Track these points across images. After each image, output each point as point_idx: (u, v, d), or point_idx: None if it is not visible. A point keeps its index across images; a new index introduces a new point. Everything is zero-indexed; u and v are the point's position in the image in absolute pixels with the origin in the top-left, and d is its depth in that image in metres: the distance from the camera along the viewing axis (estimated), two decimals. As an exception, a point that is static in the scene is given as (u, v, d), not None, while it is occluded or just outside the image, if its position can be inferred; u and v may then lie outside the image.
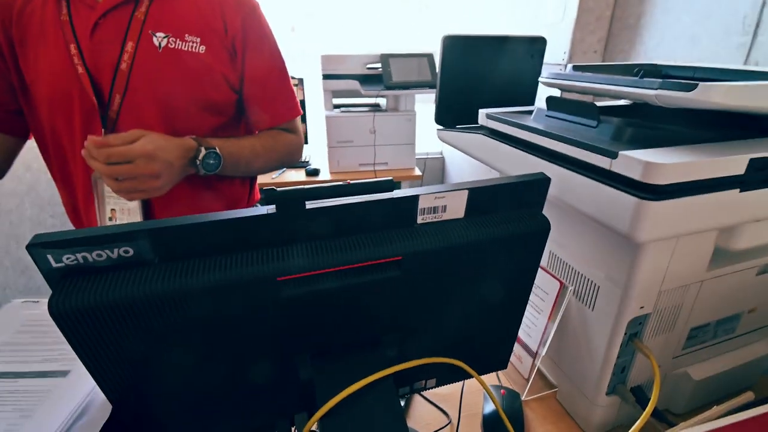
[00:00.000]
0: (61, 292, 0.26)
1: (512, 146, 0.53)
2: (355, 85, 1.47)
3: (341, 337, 0.40)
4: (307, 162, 1.66)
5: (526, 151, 0.50)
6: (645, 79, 0.38)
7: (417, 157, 1.62)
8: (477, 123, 0.64)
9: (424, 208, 0.37)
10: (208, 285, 0.30)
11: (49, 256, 0.26)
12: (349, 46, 1.91)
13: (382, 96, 1.48)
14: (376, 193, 0.35)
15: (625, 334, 0.47)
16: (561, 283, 0.54)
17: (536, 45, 0.72)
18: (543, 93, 0.72)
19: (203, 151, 0.63)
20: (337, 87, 1.50)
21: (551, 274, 0.55)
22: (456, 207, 0.38)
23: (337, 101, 1.57)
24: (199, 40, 0.66)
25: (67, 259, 0.26)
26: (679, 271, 0.44)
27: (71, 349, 0.29)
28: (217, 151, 0.65)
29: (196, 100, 0.68)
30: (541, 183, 0.40)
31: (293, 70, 1.64)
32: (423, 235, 0.36)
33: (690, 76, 0.52)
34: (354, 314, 0.39)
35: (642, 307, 0.45)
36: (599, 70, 0.57)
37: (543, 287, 0.57)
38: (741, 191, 0.37)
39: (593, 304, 0.49)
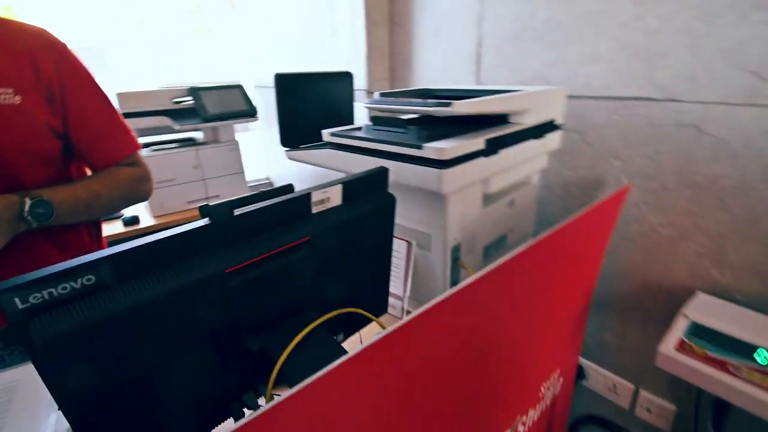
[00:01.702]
0: (38, 327, 0.29)
1: (356, 153, 0.73)
2: (164, 121, 1.43)
3: (276, 311, 0.51)
4: (121, 213, 1.50)
5: (366, 155, 0.71)
6: (428, 100, 0.64)
7: (249, 185, 1.69)
8: (320, 141, 0.83)
9: (316, 201, 0.53)
10: (167, 292, 0.37)
11: (16, 299, 0.29)
12: (128, 83, 1.79)
13: (199, 129, 1.49)
14: (281, 195, 0.50)
15: (452, 259, 0.73)
16: (408, 241, 0.78)
17: (346, 78, 0.96)
18: (358, 113, 0.96)
19: (28, 203, 0.61)
20: (143, 125, 1.42)
21: (400, 238, 0.78)
22: (336, 197, 0.55)
23: (143, 140, 1.48)
24: (12, 91, 0.62)
25: (34, 298, 0.29)
26: (468, 211, 0.73)
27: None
28: (45, 199, 0.63)
29: (24, 152, 0.64)
30: (384, 173, 0.61)
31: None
32: (319, 219, 0.52)
33: (447, 96, 0.84)
34: (283, 290, 0.51)
35: (455, 239, 0.73)
36: (398, 95, 0.84)
37: (397, 249, 0.79)
38: (485, 157, 0.67)
39: (430, 247, 0.75)
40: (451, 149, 0.60)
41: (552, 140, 0.82)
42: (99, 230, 0.86)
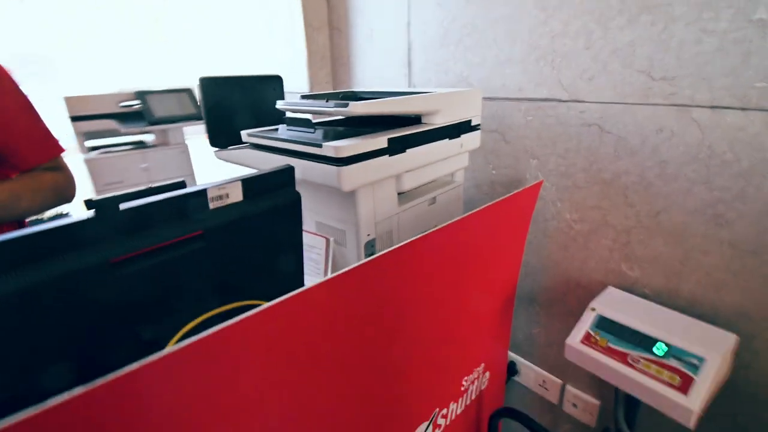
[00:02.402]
0: None
1: (269, 152, 0.74)
2: (111, 124, 1.42)
3: (173, 302, 0.52)
4: (67, 213, 1.48)
5: (278, 154, 0.72)
6: (329, 101, 0.66)
7: (201, 186, 1.68)
8: (243, 142, 0.84)
9: (213, 197, 0.53)
10: (46, 281, 0.38)
11: None
12: (80, 86, 1.78)
13: (147, 132, 1.48)
14: (173, 191, 0.50)
15: (366, 254, 0.75)
16: (325, 238, 0.79)
17: (276, 81, 0.97)
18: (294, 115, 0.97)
19: None
20: (90, 128, 1.41)
21: (318, 235, 0.80)
22: (235, 193, 0.56)
23: (91, 143, 1.47)
24: None
25: None
26: (382, 208, 0.75)
27: None
28: None
29: None
30: (289, 170, 0.62)
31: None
32: (215, 214, 0.53)
33: (365, 97, 0.85)
34: (178, 282, 0.52)
35: (369, 235, 0.74)
36: (316, 98, 0.86)
37: (316, 246, 0.80)
38: (389, 156, 0.68)
39: (345, 243, 0.76)
40: (348, 147, 0.61)
41: (470, 140, 0.85)
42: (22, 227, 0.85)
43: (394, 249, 0.52)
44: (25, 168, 0.75)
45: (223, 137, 0.89)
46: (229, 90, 0.90)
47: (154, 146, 1.52)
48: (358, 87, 1.24)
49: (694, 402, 0.62)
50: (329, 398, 0.54)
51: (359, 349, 0.56)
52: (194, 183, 1.60)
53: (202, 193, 0.53)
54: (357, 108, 0.62)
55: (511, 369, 1.08)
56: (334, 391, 0.55)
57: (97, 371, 0.47)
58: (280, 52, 1.33)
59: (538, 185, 0.80)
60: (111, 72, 1.84)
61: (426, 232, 0.56)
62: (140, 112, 1.40)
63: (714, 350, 0.65)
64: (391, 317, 0.59)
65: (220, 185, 0.54)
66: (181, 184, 0.53)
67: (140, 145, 1.54)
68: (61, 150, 0.80)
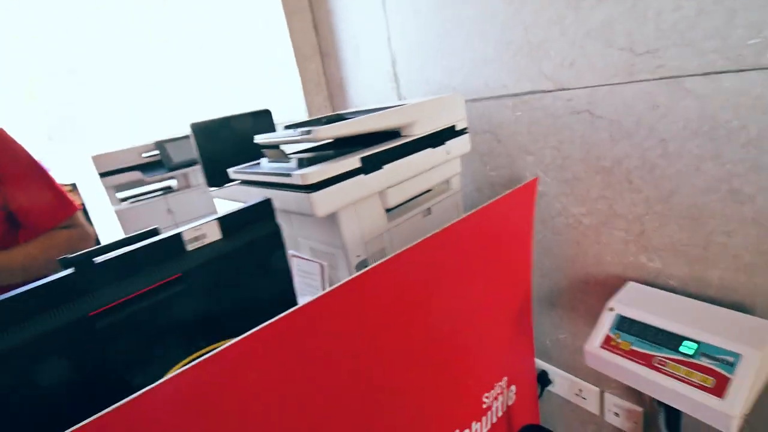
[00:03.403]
0: None
1: (254, 186, 0.76)
2: (137, 175, 1.53)
3: (160, 345, 0.54)
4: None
5: (261, 187, 0.74)
6: (296, 129, 0.66)
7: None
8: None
9: (189, 239, 0.55)
10: (28, 341, 0.41)
11: None
12: (104, 143, 1.94)
13: (169, 178, 1.58)
14: (144, 239, 0.53)
15: (358, 276, 0.74)
16: (320, 264, 0.79)
17: (265, 115, 1.00)
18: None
19: None
20: (119, 181, 1.53)
21: (313, 260, 0.80)
22: (213, 233, 0.58)
23: (121, 194, 1.59)
24: None
25: None
26: (369, 227, 0.74)
27: None
28: None
29: None
30: (266, 203, 0.63)
31: (63, 177, 1.58)
32: (193, 256, 0.54)
33: (346, 118, 0.86)
34: (162, 326, 0.53)
35: (358, 256, 0.73)
36: (300, 126, 0.87)
37: (312, 271, 0.80)
38: (365, 174, 0.68)
39: (337, 266, 0.75)
40: (316, 173, 0.61)
41: (458, 145, 0.82)
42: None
43: (381, 262, 0.51)
44: (42, 230, 0.82)
45: (218, 177, 0.92)
46: (220, 130, 0.94)
47: (178, 190, 1.62)
48: (353, 107, 1.25)
49: (732, 405, 0.54)
50: (333, 424, 0.53)
51: (361, 371, 0.54)
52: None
53: (177, 237, 0.54)
54: (320, 133, 0.62)
55: (543, 379, 1.01)
56: (337, 416, 0.53)
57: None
58: (278, 84, 1.38)
59: (533, 182, 0.75)
60: (128, 126, 1.99)
61: (414, 243, 0.54)
62: (160, 161, 1.51)
63: (751, 344, 0.57)
64: (392, 334, 0.57)
65: (196, 227, 0.56)
66: (154, 231, 0.56)
67: (168, 190, 1.65)
68: (74, 209, 0.87)
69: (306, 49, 1.26)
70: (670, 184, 0.67)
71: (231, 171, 0.83)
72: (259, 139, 0.77)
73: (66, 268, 0.47)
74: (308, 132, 0.62)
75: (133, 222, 1.49)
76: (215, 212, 1.68)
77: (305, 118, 1.32)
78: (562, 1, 0.69)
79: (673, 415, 0.71)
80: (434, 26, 0.91)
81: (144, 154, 1.53)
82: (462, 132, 0.82)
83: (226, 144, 0.94)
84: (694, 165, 0.63)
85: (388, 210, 0.77)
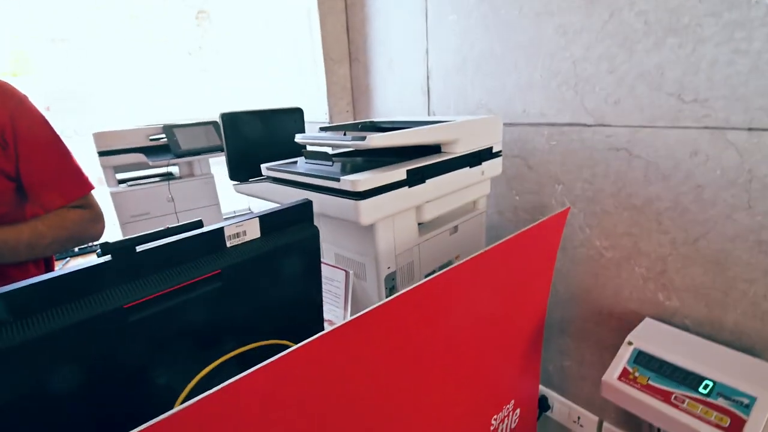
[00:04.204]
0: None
1: (287, 186, 0.74)
2: (140, 158, 1.48)
3: (190, 344, 0.51)
4: (95, 246, 1.52)
5: (296, 187, 0.72)
6: (346, 134, 0.66)
7: (225, 216, 1.71)
8: (262, 175, 0.85)
9: (230, 235, 0.53)
10: (63, 328, 0.39)
11: None
12: (110, 120, 1.87)
13: (173, 164, 1.53)
14: (190, 230, 0.50)
15: (386, 288, 0.73)
16: (345, 271, 0.77)
17: (296, 114, 0.99)
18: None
19: None
20: (119, 162, 1.47)
21: (337, 267, 0.78)
22: (253, 230, 0.56)
23: (121, 176, 1.53)
24: None
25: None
26: (402, 239, 0.73)
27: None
28: None
29: None
30: (307, 205, 0.62)
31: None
32: (232, 253, 0.52)
33: (388, 128, 0.86)
34: (195, 323, 0.51)
35: (389, 268, 0.72)
36: (335, 130, 0.86)
37: (335, 278, 0.79)
38: (408, 187, 0.67)
39: (365, 276, 0.74)
40: (366, 181, 0.60)
41: (492, 167, 0.83)
42: (50, 265, 0.87)
43: (416, 287, 0.50)
44: (53, 207, 0.77)
45: (243, 171, 0.90)
46: (249, 124, 0.92)
47: (180, 178, 1.57)
48: (378, 116, 1.25)
49: (751, 448, 0.56)
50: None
51: (381, 392, 0.53)
52: (219, 212, 1.61)
53: (219, 231, 0.52)
54: (374, 141, 0.62)
55: (543, 404, 1.02)
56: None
57: (114, 418, 0.46)
58: (302, 83, 1.37)
59: (566, 212, 0.77)
60: (142, 106, 1.93)
61: (449, 268, 0.54)
62: (167, 145, 1.46)
63: (766, 388, 0.59)
64: (414, 356, 0.57)
65: (238, 223, 0.54)
66: (198, 224, 0.54)
67: (168, 176, 1.59)
68: (90, 188, 0.83)
69: (335, 53, 1.25)
70: (699, 229, 0.69)
71: (265, 167, 0.81)
72: (301, 138, 0.75)
73: (105, 254, 0.44)
74: (362, 138, 0.62)
75: (130, 206, 1.43)
76: (217, 203, 1.63)
77: (326, 120, 1.31)
78: (614, 40, 0.71)
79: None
80: (479, 47, 0.93)
81: (150, 137, 1.47)
82: (497, 154, 0.83)
83: (254, 138, 0.92)
84: (726, 213, 0.66)
85: (420, 224, 0.77)
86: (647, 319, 0.77)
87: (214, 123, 1.57)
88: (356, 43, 1.25)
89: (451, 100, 1.03)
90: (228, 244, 0.54)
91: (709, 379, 0.64)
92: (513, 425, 0.89)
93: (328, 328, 0.79)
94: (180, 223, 0.53)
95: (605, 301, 0.85)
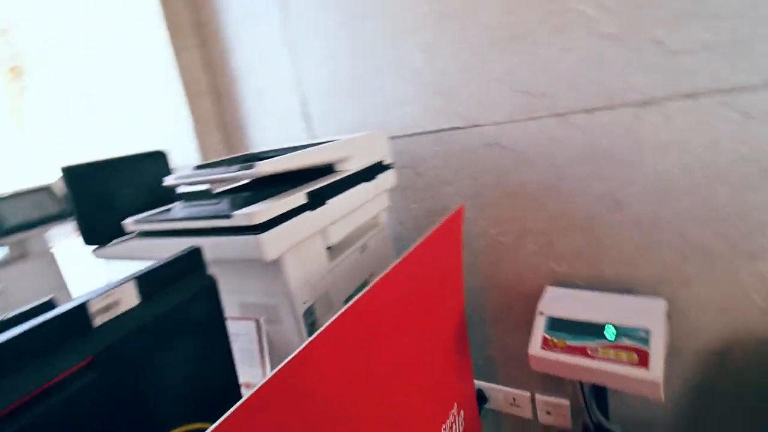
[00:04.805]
0: None
1: (165, 237, 0.63)
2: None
3: None
4: None
5: (177, 236, 0.62)
6: (231, 166, 0.59)
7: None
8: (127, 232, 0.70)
9: (97, 310, 0.42)
10: None
11: None
12: None
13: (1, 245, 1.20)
14: (37, 317, 0.38)
15: (306, 325, 0.66)
16: (254, 320, 0.68)
17: (159, 158, 0.86)
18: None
19: None
20: None
21: (245, 318, 0.68)
22: (129, 297, 0.45)
23: None
24: None
25: None
26: (313, 268, 0.68)
27: None
28: None
29: None
30: (195, 252, 0.52)
31: None
32: (103, 332, 0.41)
33: (269, 156, 0.80)
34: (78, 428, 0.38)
35: (305, 302, 0.66)
36: (212, 166, 0.77)
37: (244, 332, 0.69)
38: (311, 210, 0.63)
39: (280, 319, 0.66)
40: (264, 211, 0.54)
41: (385, 180, 0.83)
42: None
43: (338, 317, 0.46)
44: None
45: (100, 232, 0.74)
46: (101, 176, 0.76)
47: (11, 261, 1.23)
48: (257, 149, 1.17)
49: (656, 373, 0.64)
50: None
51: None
52: (68, 297, 1.33)
53: (81, 309, 0.41)
54: (265, 167, 0.56)
55: (481, 398, 1.04)
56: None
57: None
58: (164, 124, 1.21)
59: (460, 210, 0.81)
60: None
61: (366, 288, 0.51)
62: (-18, 225, 1.13)
63: (654, 319, 0.69)
64: (351, 388, 0.51)
65: (106, 292, 0.43)
66: (49, 305, 0.41)
67: (-11, 264, 1.23)
68: None
69: (195, 87, 1.15)
70: (567, 201, 0.80)
71: (131, 221, 0.67)
72: (174, 179, 0.65)
73: None
74: (250, 166, 0.55)
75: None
76: (65, 286, 1.33)
77: (199, 160, 1.18)
78: (469, 52, 0.80)
79: (601, 399, 0.81)
80: (346, 72, 0.94)
81: (-46, 218, 1.13)
82: (388, 167, 0.84)
83: (110, 191, 0.77)
84: (585, 184, 0.77)
85: (329, 248, 0.72)
86: (548, 288, 0.85)
87: (46, 189, 1.28)
88: (219, 78, 1.17)
89: (330, 123, 1.02)
90: (96, 323, 0.42)
91: (611, 325, 0.72)
92: (461, 428, 0.88)
93: (246, 393, 0.68)
94: (20, 311, 0.39)
95: (509, 282, 0.91)
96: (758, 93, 0.60)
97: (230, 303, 0.71)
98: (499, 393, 1.03)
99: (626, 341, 0.69)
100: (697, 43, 0.62)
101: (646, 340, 0.68)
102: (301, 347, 0.41)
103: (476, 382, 1.06)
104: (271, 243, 0.55)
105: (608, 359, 0.69)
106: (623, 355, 0.68)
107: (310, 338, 0.42)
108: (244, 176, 0.57)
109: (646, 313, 0.71)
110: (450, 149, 0.88)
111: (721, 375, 0.75)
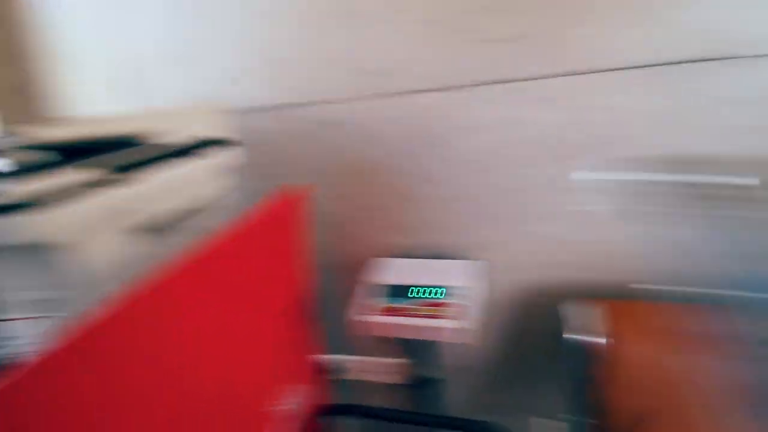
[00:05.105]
0: None
1: None
2: None
3: None
4: None
5: None
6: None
7: None
8: None
9: None
10: None
11: None
12: None
13: None
14: None
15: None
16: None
17: None
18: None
19: None
20: None
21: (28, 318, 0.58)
22: None
23: None
24: None
25: None
26: (122, 255, 0.60)
27: None
28: None
29: None
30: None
31: None
32: None
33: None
34: None
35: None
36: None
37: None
38: (113, 188, 0.56)
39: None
40: (41, 185, 0.46)
41: (221, 157, 0.78)
42: None
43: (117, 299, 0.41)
44: None
45: None
46: None
47: None
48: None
49: (472, 323, 0.75)
50: None
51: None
52: None
53: None
54: (35, 134, 0.48)
55: (334, 370, 1.08)
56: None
57: None
58: None
59: (304, 190, 0.80)
60: None
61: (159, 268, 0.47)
62: None
63: (469, 277, 0.81)
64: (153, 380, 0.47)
65: None
66: None
67: None
68: None
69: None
70: (403, 181, 0.87)
71: None
72: None
73: None
74: (13, 134, 0.46)
75: None
76: None
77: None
78: (306, 31, 0.79)
79: (430, 353, 0.91)
80: (182, 35, 0.86)
81: None
82: (224, 143, 0.80)
83: None
84: (412, 161, 0.84)
85: (148, 231, 0.66)
86: (377, 259, 0.91)
87: None
88: (18, 36, 0.95)
89: (160, 93, 0.92)
90: None
91: (431, 286, 0.81)
92: (302, 401, 0.89)
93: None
94: None
95: (352, 256, 0.96)
96: (550, 81, 0.72)
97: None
98: (355, 363, 1.08)
99: (447, 299, 0.79)
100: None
101: (463, 297, 0.78)
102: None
103: (336, 356, 1.09)
104: (54, 223, 0.47)
105: (428, 315, 0.77)
106: (442, 311, 0.77)
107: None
108: (11, 143, 0.47)
109: (464, 273, 0.82)
110: (292, 125, 0.88)
111: (523, 321, 0.91)
